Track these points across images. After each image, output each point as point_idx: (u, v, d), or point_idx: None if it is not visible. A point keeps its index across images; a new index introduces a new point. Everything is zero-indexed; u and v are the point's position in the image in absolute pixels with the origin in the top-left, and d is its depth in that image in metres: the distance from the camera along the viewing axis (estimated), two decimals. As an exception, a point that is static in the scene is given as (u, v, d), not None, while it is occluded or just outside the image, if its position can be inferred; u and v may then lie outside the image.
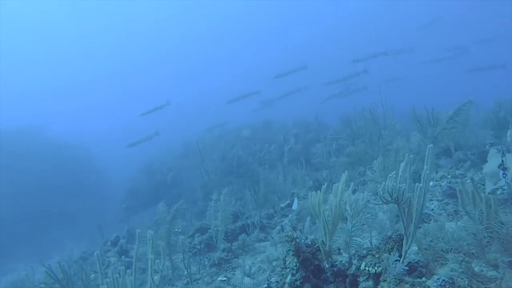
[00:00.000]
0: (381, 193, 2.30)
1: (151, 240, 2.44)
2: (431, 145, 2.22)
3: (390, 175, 2.27)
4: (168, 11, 48.79)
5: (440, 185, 4.89)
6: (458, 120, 4.80)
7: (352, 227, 2.82)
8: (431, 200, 4.64)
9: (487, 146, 5.82)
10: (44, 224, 12.19)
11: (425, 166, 2.18)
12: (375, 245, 3.03)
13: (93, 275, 5.13)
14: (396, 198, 2.30)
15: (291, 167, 9.66)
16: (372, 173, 4.57)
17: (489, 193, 3.97)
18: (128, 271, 2.71)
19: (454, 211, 4.10)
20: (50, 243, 10.07)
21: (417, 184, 2.25)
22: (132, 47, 48.51)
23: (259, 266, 4.27)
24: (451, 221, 3.92)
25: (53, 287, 4.61)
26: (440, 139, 5.91)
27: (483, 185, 4.28)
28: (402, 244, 2.58)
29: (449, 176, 5.17)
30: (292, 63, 14.56)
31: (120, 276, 2.57)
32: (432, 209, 4.43)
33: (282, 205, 6.22)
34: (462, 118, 4.94)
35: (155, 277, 5.02)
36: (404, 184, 2.28)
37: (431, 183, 5.09)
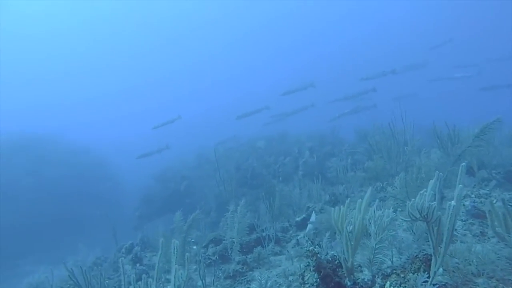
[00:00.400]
0: (410, 210, 2.24)
1: (175, 250, 2.43)
2: (464, 163, 2.16)
3: (421, 192, 2.21)
4: (184, 27, 50.37)
5: (464, 205, 4.72)
6: (484, 138, 4.66)
7: (376, 245, 2.74)
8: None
9: (514, 166, 5.63)
10: (59, 228, 12.40)
11: (459, 185, 2.11)
12: (400, 264, 2.92)
13: (107, 281, 5.13)
14: (426, 216, 2.23)
15: (305, 180, 9.57)
16: (393, 189, 4.46)
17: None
18: (150, 280, 2.69)
19: (480, 232, 3.94)
20: (64, 247, 10.22)
21: (449, 202, 2.18)
22: (149, 62, 50.17)
23: (275, 281, 4.18)
24: (477, 242, 3.76)
25: (69, 291, 4.64)
26: (462, 157, 5.75)
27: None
28: (429, 264, 2.48)
29: (473, 196, 4.99)
30: (303, 81, 14.59)
31: (143, 284, 2.56)
32: (456, 229, 4.27)
33: (298, 219, 6.12)
34: (487, 136, 4.80)
35: (168, 287, 4.99)
36: (434, 202, 2.21)
37: (453, 202, 4.94)
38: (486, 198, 4.73)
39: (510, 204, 4.21)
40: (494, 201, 4.51)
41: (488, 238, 3.78)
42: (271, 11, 45.92)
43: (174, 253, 2.53)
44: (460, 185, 2.13)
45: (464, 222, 4.41)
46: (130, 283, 2.80)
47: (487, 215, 3.05)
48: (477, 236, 3.90)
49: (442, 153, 6.11)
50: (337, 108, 14.39)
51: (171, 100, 45.14)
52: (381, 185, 6.48)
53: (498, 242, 3.45)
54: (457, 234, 4.14)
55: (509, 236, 2.62)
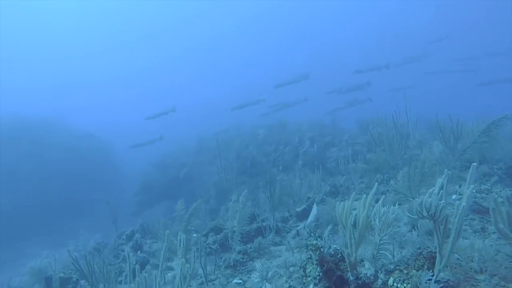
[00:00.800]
0: (417, 207, 2.22)
1: (182, 244, 2.42)
2: (475, 163, 2.13)
3: (430, 190, 2.19)
4: (187, 14, 49.49)
5: (464, 199, 4.73)
6: (490, 134, 4.63)
7: (380, 241, 2.74)
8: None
9: (515, 162, 5.62)
10: (61, 212, 12.47)
11: (471, 186, 2.09)
12: (400, 259, 2.94)
13: (109, 267, 5.17)
14: (433, 215, 2.22)
15: (305, 170, 9.59)
16: (396, 183, 4.46)
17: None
18: (155, 272, 2.70)
19: (481, 228, 3.96)
20: (66, 231, 10.29)
21: (458, 202, 2.16)
22: (151, 48, 49.54)
23: (276, 271, 4.22)
24: (478, 238, 3.78)
25: (71, 276, 4.68)
26: (465, 152, 5.73)
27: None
28: (433, 262, 2.49)
29: (474, 191, 5.01)
30: (301, 71, 14.40)
31: (147, 275, 2.56)
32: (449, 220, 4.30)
33: (298, 209, 6.15)
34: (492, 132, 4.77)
35: (169, 274, 5.03)
36: (443, 201, 2.20)
37: (453, 196, 4.96)
38: (487, 194, 4.75)
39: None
40: (496, 197, 4.53)
41: (489, 234, 3.80)
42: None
43: (180, 246, 2.52)
44: (472, 185, 2.11)
45: (464, 218, 4.44)
46: (133, 273, 2.81)
47: (491, 213, 3.05)
48: (478, 232, 3.92)
49: (443, 147, 6.09)
50: (337, 98, 14.32)
51: (174, 86, 44.86)
52: (381, 177, 6.49)
53: (499, 238, 3.47)
54: (450, 227, 4.16)
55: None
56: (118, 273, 5.02)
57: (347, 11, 45.46)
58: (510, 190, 4.85)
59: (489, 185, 5.14)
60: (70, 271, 4.80)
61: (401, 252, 3.74)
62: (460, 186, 5.25)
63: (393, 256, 3.59)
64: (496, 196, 4.55)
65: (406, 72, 18.12)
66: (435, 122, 6.78)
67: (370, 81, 12.92)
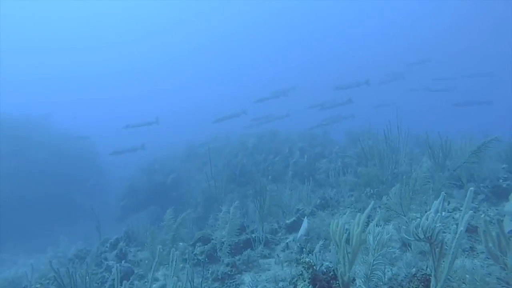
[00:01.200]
0: (414, 230, 2.21)
1: (174, 262, 2.32)
2: (472, 188, 2.13)
3: (428, 212, 2.18)
4: (184, 17, 49.60)
5: (453, 217, 4.79)
6: (479, 155, 4.73)
7: (374, 261, 2.71)
8: (444, 232, 4.52)
9: (501, 181, 5.75)
10: (41, 215, 11.98)
11: (469, 211, 2.09)
12: (397, 281, 2.92)
13: (92, 276, 4.96)
14: (429, 238, 2.20)
15: (295, 180, 9.56)
16: (388, 200, 4.48)
17: (508, 232, 3.87)
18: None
19: (470, 247, 3.99)
20: (45, 236, 9.85)
21: (454, 226, 2.16)
22: (146, 50, 49.25)
23: (264, 286, 4.13)
24: (467, 257, 3.81)
25: (49, 287, 4.45)
26: (451, 168, 5.83)
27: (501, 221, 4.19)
28: (427, 285, 2.48)
29: (462, 208, 5.07)
30: (280, 87, 14.55)
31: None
32: (445, 243, 4.32)
33: (288, 221, 6.09)
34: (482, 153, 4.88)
35: (154, 286, 4.87)
36: (439, 224, 2.19)
37: (443, 213, 5.01)
38: (475, 212, 4.82)
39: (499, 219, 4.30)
40: (483, 216, 4.61)
41: (477, 253, 3.84)
42: (269, 8, 45.86)
43: (172, 265, 2.42)
44: (470, 211, 2.11)
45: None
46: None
47: (481, 234, 3.07)
48: (467, 251, 3.95)
49: (432, 163, 6.18)
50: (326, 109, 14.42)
51: (168, 89, 44.62)
52: (371, 192, 6.52)
53: (488, 258, 3.50)
54: (446, 248, 4.18)
55: (504, 258, 2.63)
56: (100, 283, 4.82)
57: (346, 19, 46.52)
58: (496, 209, 4.95)
59: (476, 203, 5.22)
60: (47, 281, 4.57)
61: (391, 270, 3.73)
62: (448, 203, 5.32)
63: (384, 274, 3.57)
64: (483, 215, 4.64)
65: (391, 89, 18.57)
66: (423, 138, 6.91)
67: (351, 99, 13.16)
